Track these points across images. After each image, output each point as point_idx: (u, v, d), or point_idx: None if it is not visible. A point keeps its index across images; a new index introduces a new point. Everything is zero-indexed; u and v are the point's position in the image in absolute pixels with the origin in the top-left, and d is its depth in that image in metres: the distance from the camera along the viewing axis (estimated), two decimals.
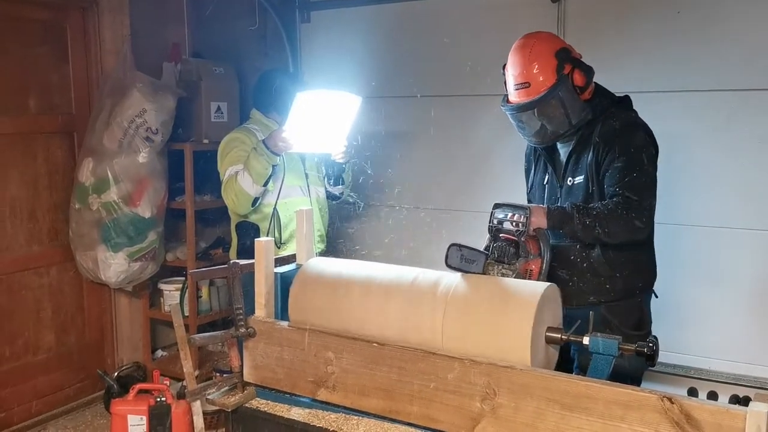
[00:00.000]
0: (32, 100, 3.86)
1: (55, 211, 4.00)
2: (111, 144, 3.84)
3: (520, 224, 2.31)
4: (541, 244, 2.33)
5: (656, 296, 2.70)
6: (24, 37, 3.79)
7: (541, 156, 2.74)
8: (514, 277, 2.20)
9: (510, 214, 2.34)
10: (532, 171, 2.83)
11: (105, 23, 4.09)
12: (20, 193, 3.83)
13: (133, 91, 3.82)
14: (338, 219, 4.22)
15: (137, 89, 3.83)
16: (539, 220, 2.38)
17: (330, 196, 3.70)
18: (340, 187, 3.64)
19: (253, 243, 3.41)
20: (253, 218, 3.47)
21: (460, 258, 2.02)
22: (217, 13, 4.51)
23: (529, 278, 2.27)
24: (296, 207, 3.38)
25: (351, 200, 3.89)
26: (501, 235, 2.31)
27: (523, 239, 2.30)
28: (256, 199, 3.35)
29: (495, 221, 2.35)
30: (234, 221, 3.56)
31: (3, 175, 3.75)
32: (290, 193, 3.46)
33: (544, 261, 2.30)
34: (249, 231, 3.48)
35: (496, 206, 2.39)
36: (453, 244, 2.02)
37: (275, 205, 3.40)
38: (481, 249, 2.21)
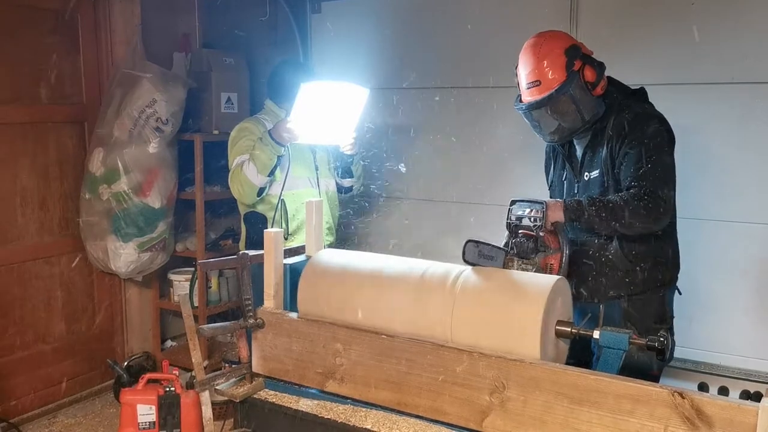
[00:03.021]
0: (43, 89, 3.86)
1: (65, 201, 4.01)
2: (121, 134, 3.84)
3: (537, 219, 2.32)
4: (560, 238, 2.35)
5: (680, 293, 2.70)
6: (35, 27, 3.79)
7: (559, 153, 2.76)
8: (534, 272, 2.23)
9: (527, 210, 2.37)
10: (552, 168, 2.85)
11: (116, 13, 4.09)
12: (31, 182, 3.84)
13: (143, 82, 3.82)
14: (350, 211, 4.22)
15: (147, 79, 3.83)
16: (556, 214, 2.39)
17: (341, 190, 3.69)
18: (349, 180, 3.63)
19: (261, 234, 3.44)
20: (261, 209, 3.47)
21: (477, 254, 2.03)
22: (228, 4, 4.49)
23: (550, 273, 2.29)
24: (303, 198, 3.37)
25: (361, 193, 3.88)
26: (519, 230, 2.33)
27: (541, 234, 2.32)
28: (262, 189, 3.35)
29: (513, 217, 2.39)
30: (242, 212, 3.56)
31: (14, 165, 3.76)
32: (297, 185, 3.45)
33: (564, 255, 2.32)
34: (257, 221, 3.48)
35: (513, 202, 2.42)
36: (469, 241, 2.03)
37: (280, 195, 3.39)
38: (499, 244, 2.23)
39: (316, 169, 3.54)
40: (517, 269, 2.23)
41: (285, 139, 3.21)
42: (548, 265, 2.29)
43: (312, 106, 3.09)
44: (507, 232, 2.39)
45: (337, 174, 3.60)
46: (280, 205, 3.39)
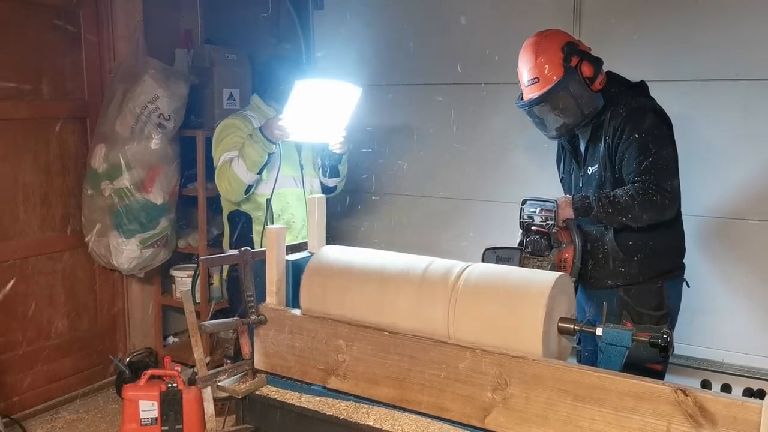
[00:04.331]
0: (45, 85, 3.86)
1: (67, 197, 4.01)
2: (123, 130, 3.84)
3: (549, 218, 2.42)
4: (572, 233, 2.46)
5: (688, 285, 2.74)
6: (38, 22, 3.78)
7: (566, 147, 2.83)
8: (549, 268, 2.31)
9: (538, 209, 2.45)
10: (562, 162, 2.92)
11: (118, 9, 4.08)
12: (33, 178, 3.84)
13: (145, 78, 3.82)
14: (350, 208, 4.21)
15: (150, 75, 3.82)
16: (566, 212, 2.48)
17: (324, 190, 3.58)
18: (334, 179, 3.56)
19: (245, 233, 3.40)
20: (245, 207, 3.43)
21: (496, 259, 2.10)
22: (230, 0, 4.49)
23: (565, 267, 2.40)
24: (288, 197, 3.38)
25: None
26: (533, 228, 2.39)
27: (554, 231, 2.37)
28: (249, 187, 3.29)
29: (525, 216, 2.47)
30: (226, 210, 3.51)
31: (16, 161, 3.76)
32: (283, 184, 3.40)
33: (576, 249, 2.42)
34: (241, 220, 3.44)
35: (525, 201, 2.51)
36: (487, 249, 2.14)
37: (271, 195, 3.33)
38: (511, 242, 2.29)
39: (302, 167, 3.50)
40: (532, 267, 2.28)
41: (276, 137, 3.16)
42: (563, 260, 2.38)
43: (305, 104, 3.06)
44: (521, 231, 2.46)
45: (324, 173, 3.52)
46: (268, 204, 3.33)
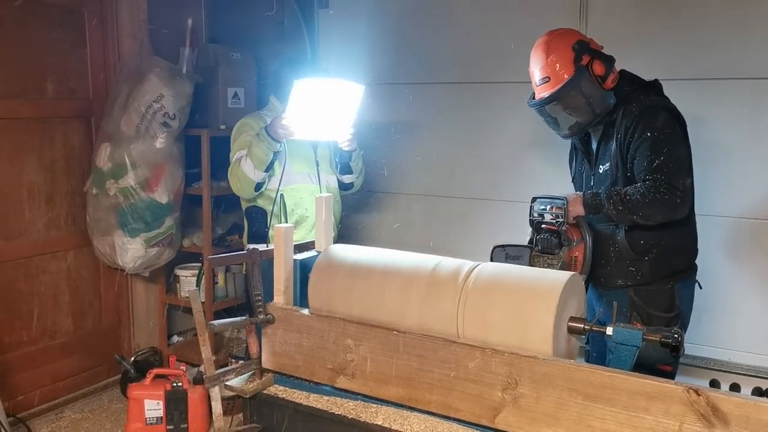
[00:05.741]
0: (50, 84, 3.85)
1: (72, 196, 4.01)
2: (128, 129, 3.83)
3: (559, 215, 2.41)
4: (582, 230, 2.44)
5: (700, 287, 2.72)
6: (42, 22, 3.78)
7: (577, 146, 2.82)
8: (560, 267, 2.30)
9: (548, 206, 2.45)
10: (574, 160, 2.91)
11: (122, 7, 4.08)
12: (38, 177, 3.84)
13: (150, 77, 3.81)
14: (358, 207, 4.20)
15: (155, 74, 3.81)
16: (577, 209, 2.47)
17: (342, 186, 3.67)
18: (349, 176, 3.61)
19: (262, 227, 3.43)
20: (261, 203, 3.48)
21: (505, 257, 2.10)
22: None
23: (575, 265, 2.38)
24: (301, 193, 3.42)
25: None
26: (543, 226, 2.38)
27: (564, 229, 2.36)
28: (259, 185, 3.35)
29: (535, 214, 2.46)
30: (244, 206, 3.57)
31: (21, 160, 3.75)
32: (296, 180, 3.44)
33: (587, 247, 2.40)
34: (258, 216, 3.49)
35: (534, 199, 2.50)
36: (496, 246, 2.13)
37: (278, 190, 3.38)
38: (521, 241, 2.29)
39: (317, 164, 3.52)
40: (542, 265, 2.27)
41: (280, 135, 3.20)
42: (573, 258, 2.37)
43: (306, 103, 3.08)
44: (531, 229, 2.46)
45: (337, 170, 3.59)
46: (278, 199, 3.39)
